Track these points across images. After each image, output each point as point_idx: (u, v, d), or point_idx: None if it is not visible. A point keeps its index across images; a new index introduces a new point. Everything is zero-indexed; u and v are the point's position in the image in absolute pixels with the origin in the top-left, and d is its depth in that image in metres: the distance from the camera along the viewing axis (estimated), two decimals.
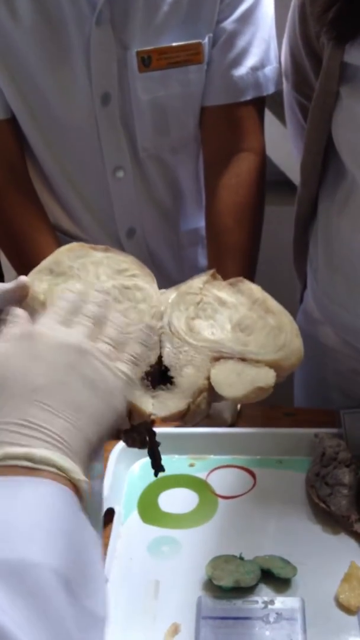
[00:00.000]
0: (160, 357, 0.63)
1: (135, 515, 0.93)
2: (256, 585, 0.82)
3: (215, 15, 1.07)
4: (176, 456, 1.00)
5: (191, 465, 0.99)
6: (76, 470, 0.48)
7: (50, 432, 0.48)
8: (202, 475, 0.98)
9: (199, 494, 0.95)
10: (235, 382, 0.60)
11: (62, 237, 1.24)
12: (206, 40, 1.08)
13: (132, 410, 0.57)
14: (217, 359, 0.62)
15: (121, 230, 1.22)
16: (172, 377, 0.61)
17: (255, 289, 0.68)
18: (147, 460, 0.65)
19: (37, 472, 0.46)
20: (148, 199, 1.21)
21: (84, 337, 0.54)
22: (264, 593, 0.82)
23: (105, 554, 0.85)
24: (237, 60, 1.10)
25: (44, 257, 0.68)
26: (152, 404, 0.59)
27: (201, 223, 1.25)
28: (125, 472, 0.98)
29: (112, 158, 1.15)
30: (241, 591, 0.81)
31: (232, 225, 1.14)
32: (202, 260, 1.29)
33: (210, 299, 0.65)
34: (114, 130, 1.12)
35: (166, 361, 0.62)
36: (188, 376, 0.60)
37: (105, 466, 0.94)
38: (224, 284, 0.68)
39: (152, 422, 0.60)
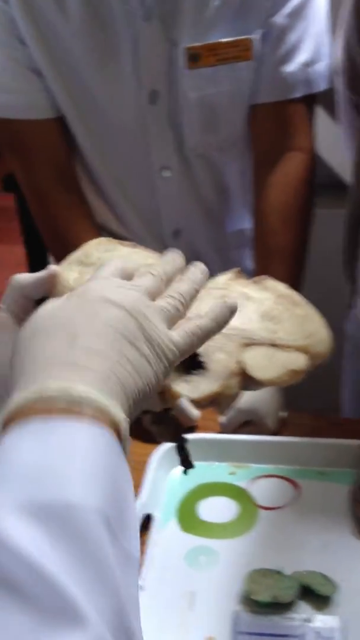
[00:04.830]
0: None
1: (173, 522, 0.91)
2: (294, 601, 0.79)
3: (267, 10, 1.04)
4: (216, 463, 0.97)
5: (232, 473, 0.97)
6: (116, 408, 0.46)
7: (90, 370, 0.47)
8: (243, 484, 0.95)
9: (239, 504, 0.93)
10: (268, 365, 0.60)
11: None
12: (256, 35, 1.05)
13: (164, 392, 0.57)
14: (247, 345, 0.61)
15: (167, 231, 1.21)
16: (203, 362, 0.60)
17: (280, 286, 0.68)
18: None
19: (75, 412, 0.44)
20: (194, 198, 1.19)
21: (142, 294, 0.53)
22: (303, 610, 0.79)
23: (141, 561, 0.83)
24: (288, 56, 1.07)
25: None
26: (185, 388, 0.58)
27: (247, 224, 1.22)
28: (164, 477, 0.96)
29: (159, 157, 1.14)
30: (279, 607, 0.78)
31: (278, 226, 1.11)
32: (249, 263, 1.26)
33: (235, 294, 0.65)
34: (162, 129, 1.11)
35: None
36: (219, 361, 0.60)
37: (144, 471, 0.93)
38: (248, 282, 0.68)
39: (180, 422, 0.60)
